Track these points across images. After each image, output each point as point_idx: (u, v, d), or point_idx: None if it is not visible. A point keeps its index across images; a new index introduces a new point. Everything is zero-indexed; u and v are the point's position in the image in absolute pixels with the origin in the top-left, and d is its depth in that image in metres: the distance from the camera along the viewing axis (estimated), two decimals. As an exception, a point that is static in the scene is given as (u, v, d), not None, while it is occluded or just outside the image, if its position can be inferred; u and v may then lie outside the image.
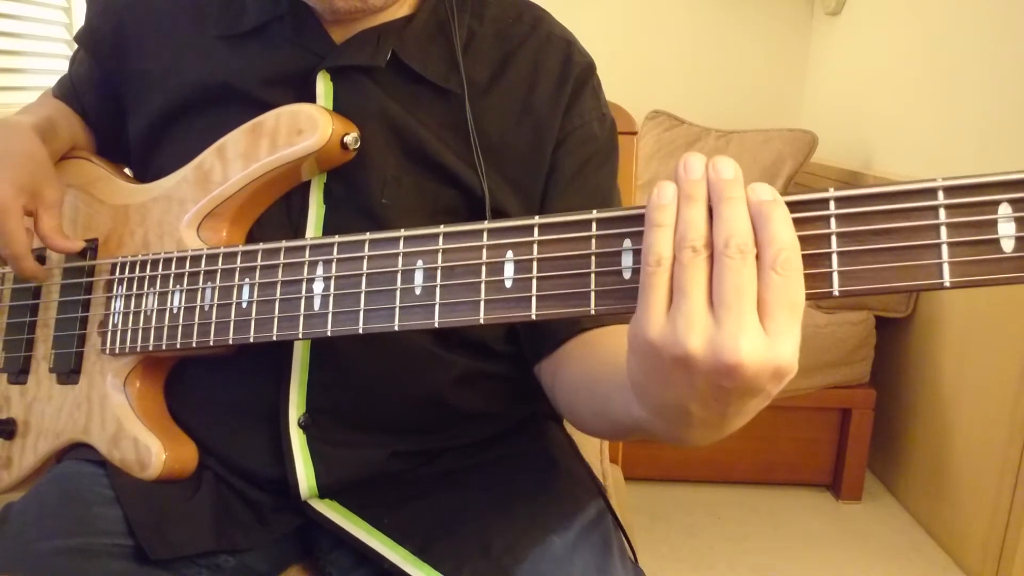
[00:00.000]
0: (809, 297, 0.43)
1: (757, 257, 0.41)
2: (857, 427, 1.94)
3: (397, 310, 0.56)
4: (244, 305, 0.63)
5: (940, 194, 0.41)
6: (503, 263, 0.52)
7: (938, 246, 0.41)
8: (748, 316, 0.40)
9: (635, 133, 1.10)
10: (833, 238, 0.43)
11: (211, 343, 0.65)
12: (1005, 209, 0.40)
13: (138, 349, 0.69)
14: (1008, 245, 0.40)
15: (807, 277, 0.43)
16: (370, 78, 0.71)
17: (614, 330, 0.69)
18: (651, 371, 0.45)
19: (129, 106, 0.79)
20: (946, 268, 0.41)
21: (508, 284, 0.52)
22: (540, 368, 0.75)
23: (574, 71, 0.75)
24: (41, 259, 0.78)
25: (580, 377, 0.66)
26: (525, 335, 0.75)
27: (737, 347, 0.40)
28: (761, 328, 0.41)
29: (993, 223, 0.40)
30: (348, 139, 0.67)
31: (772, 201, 0.42)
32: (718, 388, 0.42)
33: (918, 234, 0.41)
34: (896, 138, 2.07)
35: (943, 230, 0.41)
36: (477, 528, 0.68)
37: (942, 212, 0.41)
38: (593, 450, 1.03)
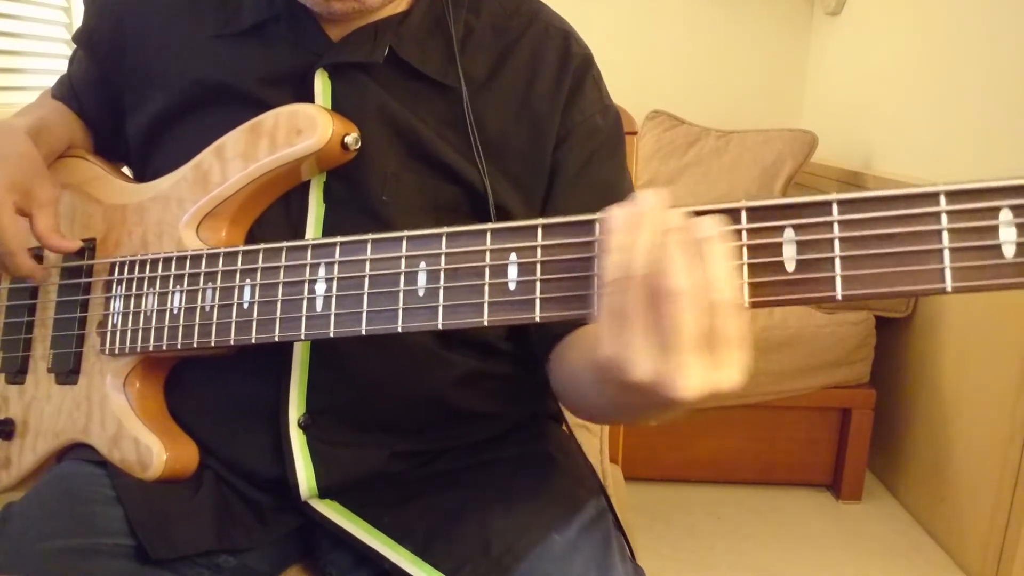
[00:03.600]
0: (813, 302, 0.43)
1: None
2: (857, 427, 1.93)
3: (400, 311, 0.56)
4: (245, 306, 0.63)
5: (942, 199, 0.41)
6: (506, 265, 0.52)
7: (940, 251, 0.41)
8: (688, 353, 0.43)
9: (635, 133, 1.10)
10: (836, 242, 0.43)
11: (212, 344, 0.65)
12: (1006, 215, 0.40)
13: (138, 349, 0.69)
14: (1009, 251, 0.40)
15: (812, 280, 0.43)
16: (368, 75, 0.71)
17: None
18: (608, 391, 0.51)
19: (127, 106, 0.78)
20: (948, 273, 0.41)
21: (512, 286, 0.51)
22: (547, 367, 0.74)
23: (572, 63, 0.75)
24: (39, 259, 0.78)
25: (567, 374, 0.68)
26: (533, 335, 0.75)
27: (677, 384, 0.44)
28: (702, 362, 0.44)
29: (994, 228, 0.40)
30: (349, 139, 0.67)
31: (708, 238, 0.44)
32: (664, 409, 0.48)
33: (920, 239, 0.42)
34: (896, 138, 2.07)
35: (945, 235, 0.41)
36: (477, 527, 0.68)
37: (944, 217, 0.41)
38: (593, 450, 1.03)
